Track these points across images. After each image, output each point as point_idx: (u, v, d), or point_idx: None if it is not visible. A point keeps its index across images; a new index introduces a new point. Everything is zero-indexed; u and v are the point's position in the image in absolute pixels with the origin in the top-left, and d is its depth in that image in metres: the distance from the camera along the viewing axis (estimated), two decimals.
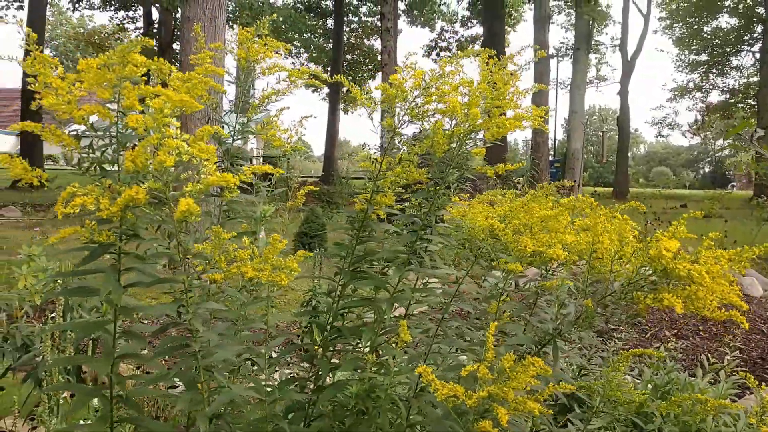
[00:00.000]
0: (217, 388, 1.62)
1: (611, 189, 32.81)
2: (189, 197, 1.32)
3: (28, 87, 1.53)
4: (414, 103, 1.79)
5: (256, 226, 2.23)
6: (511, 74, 1.78)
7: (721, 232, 10.05)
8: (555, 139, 42.42)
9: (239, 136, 2.33)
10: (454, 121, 1.83)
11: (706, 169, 69.56)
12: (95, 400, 1.67)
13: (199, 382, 1.52)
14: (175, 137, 1.35)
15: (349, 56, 34.02)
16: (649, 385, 3.21)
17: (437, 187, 1.86)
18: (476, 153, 1.92)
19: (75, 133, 1.56)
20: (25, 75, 1.55)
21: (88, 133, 1.59)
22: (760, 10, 30.18)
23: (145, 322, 4.70)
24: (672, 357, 3.88)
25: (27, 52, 1.53)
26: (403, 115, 1.83)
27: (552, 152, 34.60)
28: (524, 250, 1.64)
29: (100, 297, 1.37)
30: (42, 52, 1.54)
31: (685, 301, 1.60)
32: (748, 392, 3.76)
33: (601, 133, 53.56)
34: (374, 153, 2.25)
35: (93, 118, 1.52)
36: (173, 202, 1.35)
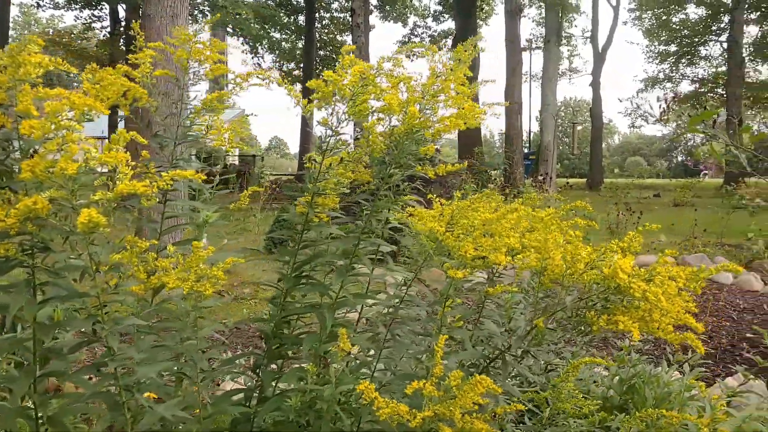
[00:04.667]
0: (143, 407, 1.52)
1: (585, 180, 33.08)
2: (100, 206, 1.23)
3: None
4: (352, 101, 1.71)
5: (199, 232, 2.15)
6: (452, 69, 1.70)
7: (691, 220, 10.05)
8: (530, 132, 42.71)
9: (181, 140, 2.26)
10: (398, 119, 1.75)
11: (679, 159, 70.35)
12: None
13: (121, 402, 1.42)
14: (80, 142, 1.25)
15: (321, 52, 33.79)
16: (615, 379, 3.18)
17: (378, 189, 1.78)
18: (424, 152, 1.83)
19: None
20: None
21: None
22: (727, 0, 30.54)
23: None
24: (638, 350, 3.85)
25: None
26: (342, 114, 1.75)
27: (528, 145, 34.79)
28: (465, 255, 1.56)
29: (9, 313, 1.27)
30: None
31: (639, 322, 1.56)
32: (719, 379, 3.76)
33: (572, 125, 54.00)
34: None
35: None
36: (78, 213, 1.26)
